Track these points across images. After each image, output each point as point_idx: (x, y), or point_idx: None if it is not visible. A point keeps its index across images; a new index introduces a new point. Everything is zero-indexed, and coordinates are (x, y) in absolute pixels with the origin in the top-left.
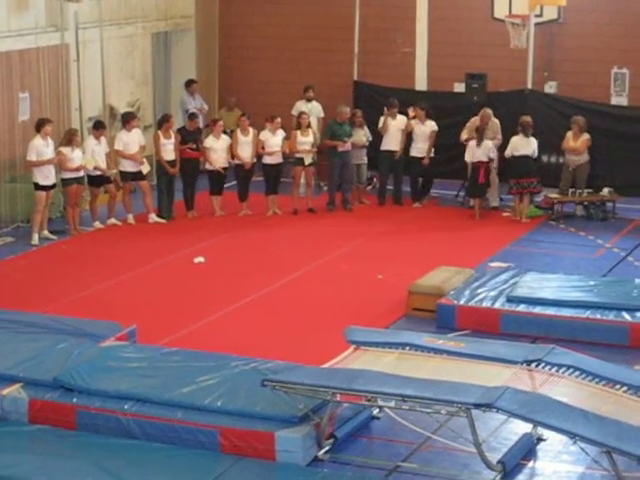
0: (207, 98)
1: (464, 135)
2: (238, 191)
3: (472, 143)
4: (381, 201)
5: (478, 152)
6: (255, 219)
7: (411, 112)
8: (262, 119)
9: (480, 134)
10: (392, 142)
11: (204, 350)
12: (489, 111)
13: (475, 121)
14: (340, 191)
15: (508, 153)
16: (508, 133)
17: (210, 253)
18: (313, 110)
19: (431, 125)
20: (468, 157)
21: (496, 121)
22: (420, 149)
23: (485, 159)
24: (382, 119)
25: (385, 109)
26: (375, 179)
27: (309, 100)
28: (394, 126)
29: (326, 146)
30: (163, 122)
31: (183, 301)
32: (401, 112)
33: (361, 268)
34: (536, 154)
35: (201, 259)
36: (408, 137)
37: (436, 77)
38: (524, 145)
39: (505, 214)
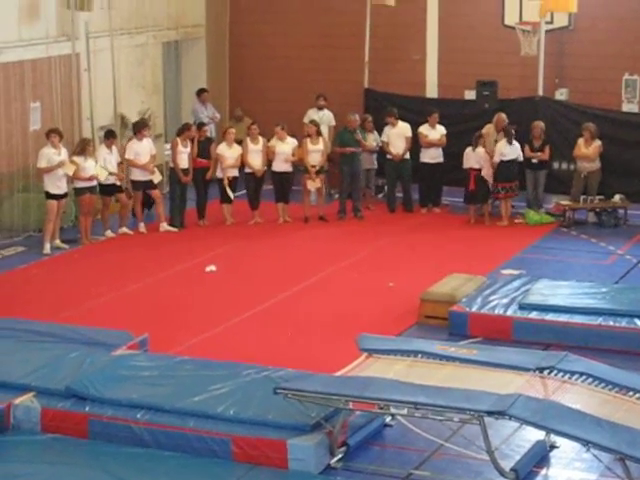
0: (218, 107)
1: (482, 146)
2: (249, 199)
3: (468, 149)
4: (391, 208)
5: (471, 159)
6: (266, 227)
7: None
8: (273, 128)
9: (475, 140)
10: (395, 148)
11: (215, 359)
12: (503, 116)
13: (490, 128)
14: (350, 199)
15: (496, 159)
16: (520, 140)
17: (221, 262)
18: (324, 118)
19: (441, 130)
20: (465, 163)
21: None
22: (431, 155)
23: (476, 166)
24: (385, 131)
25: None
26: (385, 187)
27: (320, 108)
28: (395, 134)
29: (336, 154)
30: (184, 130)
31: (194, 310)
32: (405, 119)
33: (372, 276)
34: (521, 158)
35: (212, 268)
36: (416, 143)
37: (447, 84)
38: (510, 150)
39: (517, 221)
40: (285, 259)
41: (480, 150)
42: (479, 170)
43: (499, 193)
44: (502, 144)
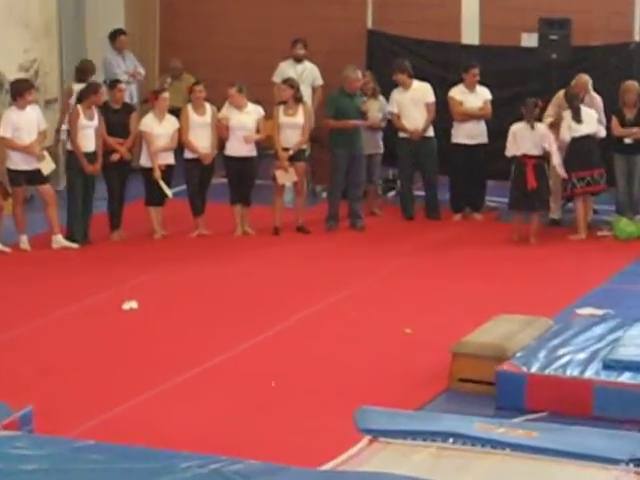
0: (143, 58)
1: (548, 118)
2: (190, 199)
3: (518, 127)
4: (407, 213)
5: (525, 140)
6: (216, 243)
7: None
8: (226, 90)
9: (529, 112)
10: (410, 121)
11: (138, 444)
12: (585, 78)
13: (563, 96)
14: (346, 199)
15: (564, 136)
16: (607, 109)
17: (146, 295)
18: (305, 75)
19: (483, 94)
20: (511, 148)
21: (596, 96)
22: (469, 132)
23: (535, 152)
24: (393, 95)
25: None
26: (398, 181)
27: (299, 60)
28: (409, 100)
29: (325, 130)
30: (88, 93)
31: (104, 370)
32: (426, 77)
33: (379, 317)
34: (603, 133)
35: (132, 305)
36: (444, 114)
37: (493, 25)
38: (585, 120)
39: (600, 233)
40: (244, 293)
41: (542, 127)
42: (539, 158)
43: (574, 188)
44: (569, 119)
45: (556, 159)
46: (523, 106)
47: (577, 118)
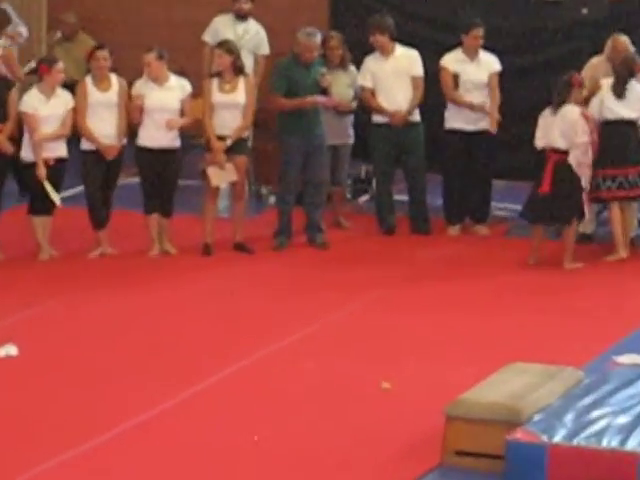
0: (24, 13)
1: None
2: (89, 207)
3: (547, 111)
4: (385, 225)
5: (550, 129)
6: (124, 265)
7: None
8: (140, 57)
9: (560, 92)
10: (389, 99)
11: None
12: (623, 39)
13: (598, 65)
14: (303, 206)
15: (592, 112)
16: None
17: (29, 338)
18: (247, 39)
19: (489, 63)
20: (539, 137)
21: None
22: (469, 116)
23: (561, 145)
24: (366, 64)
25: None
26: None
27: (241, 17)
28: (389, 72)
29: (272, 112)
30: None
31: None
32: (410, 41)
33: (346, 368)
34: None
35: (10, 350)
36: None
37: None
38: (630, 100)
39: None
40: (162, 334)
41: (572, 112)
42: (565, 154)
43: (598, 189)
44: (606, 92)
45: (579, 156)
46: (554, 84)
47: (619, 92)
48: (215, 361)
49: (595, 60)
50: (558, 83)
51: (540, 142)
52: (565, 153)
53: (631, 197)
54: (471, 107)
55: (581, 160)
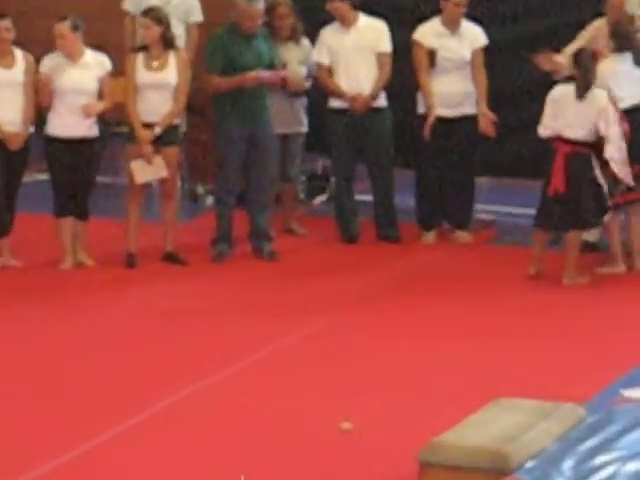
0: None
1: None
2: None
3: (561, 91)
4: (346, 232)
5: (568, 115)
6: (30, 280)
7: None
8: (49, 28)
9: (590, 67)
10: (350, 80)
11: None
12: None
13: (598, 29)
14: (247, 208)
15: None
16: None
17: None
18: (175, 5)
19: (473, 36)
20: (547, 124)
21: None
22: (448, 99)
23: (579, 134)
24: (322, 37)
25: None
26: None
27: None
28: (349, 44)
29: (208, 93)
30: None
31: None
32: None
33: (298, 404)
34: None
35: None
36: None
37: None
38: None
39: None
40: (78, 365)
41: (600, 96)
42: (583, 145)
43: (612, 194)
44: (612, 61)
45: (614, 151)
46: (576, 59)
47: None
48: (140, 398)
49: (597, 23)
50: (579, 58)
51: (547, 131)
52: (578, 144)
53: (635, 200)
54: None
55: (616, 156)
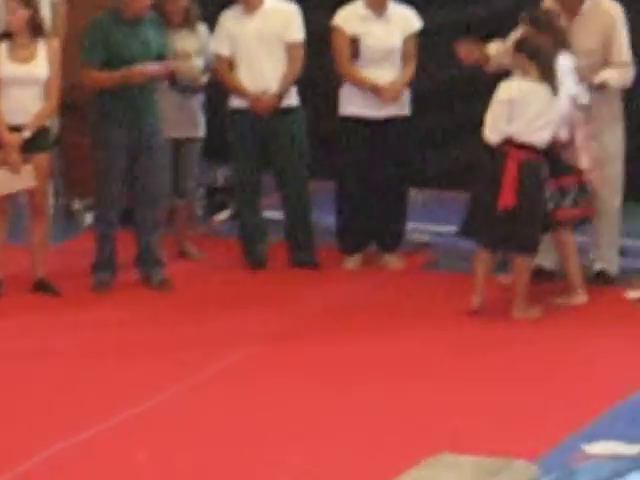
0: None
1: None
2: None
3: (519, 86)
4: (251, 256)
5: (528, 113)
6: None
7: None
8: None
9: (543, 55)
10: (253, 75)
11: None
12: None
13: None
14: (133, 227)
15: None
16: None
17: None
18: None
19: (404, 20)
20: (497, 126)
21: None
22: (373, 98)
23: (535, 138)
24: (221, 24)
25: None
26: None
27: None
28: (252, 31)
29: (91, 90)
30: None
31: None
32: None
33: (196, 459)
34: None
35: None
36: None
37: None
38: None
39: (632, 295)
40: None
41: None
42: (535, 152)
43: (557, 208)
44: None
45: (587, 161)
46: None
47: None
48: (10, 453)
49: (548, 2)
50: (535, 48)
51: (497, 135)
52: (532, 151)
53: (577, 218)
54: (374, 89)
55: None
